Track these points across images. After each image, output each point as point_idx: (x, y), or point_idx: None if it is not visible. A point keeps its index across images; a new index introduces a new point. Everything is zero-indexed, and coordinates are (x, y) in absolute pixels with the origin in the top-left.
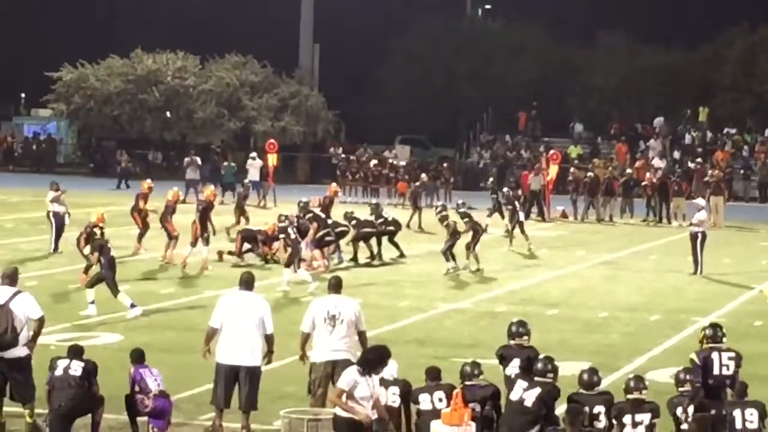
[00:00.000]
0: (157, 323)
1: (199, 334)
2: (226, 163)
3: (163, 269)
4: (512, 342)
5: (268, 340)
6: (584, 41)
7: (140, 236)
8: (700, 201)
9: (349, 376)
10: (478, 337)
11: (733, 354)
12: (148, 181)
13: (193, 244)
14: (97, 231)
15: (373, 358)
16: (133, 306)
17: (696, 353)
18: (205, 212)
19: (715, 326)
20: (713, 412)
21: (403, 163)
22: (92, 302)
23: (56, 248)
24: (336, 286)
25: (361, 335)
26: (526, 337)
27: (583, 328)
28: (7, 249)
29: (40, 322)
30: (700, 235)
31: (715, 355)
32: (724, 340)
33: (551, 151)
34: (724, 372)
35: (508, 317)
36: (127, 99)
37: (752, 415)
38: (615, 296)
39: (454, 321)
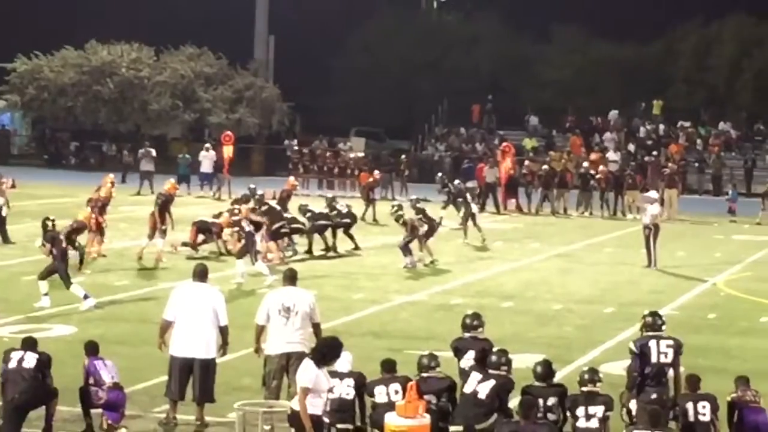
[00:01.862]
0: (112, 315)
1: (154, 327)
2: (180, 155)
3: (118, 261)
4: (467, 334)
5: (222, 332)
6: (539, 34)
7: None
8: (652, 194)
9: (311, 372)
10: (433, 330)
11: (671, 342)
12: (111, 175)
13: (150, 236)
14: (49, 223)
15: (326, 351)
16: (86, 297)
17: (634, 342)
18: (165, 205)
19: (654, 314)
20: (654, 396)
21: (359, 154)
22: (46, 294)
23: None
24: (291, 278)
25: (316, 327)
26: (480, 329)
27: (538, 320)
28: None
29: None
30: (653, 228)
31: (653, 343)
32: (664, 328)
33: (504, 144)
34: (662, 360)
35: (462, 310)
36: (82, 90)
37: (704, 408)
38: (569, 289)
39: (409, 313)
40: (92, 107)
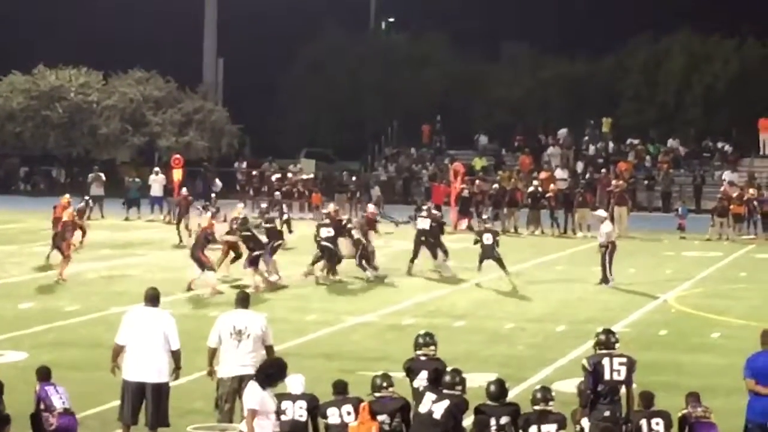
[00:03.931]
0: (63, 340)
1: (106, 351)
2: (129, 179)
3: (69, 286)
4: (419, 354)
5: (175, 356)
6: (489, 53)
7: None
8: (602, 213)
9: (256, 395)
10: (385, 350)
11: (624, 359)
12: (66, 195)
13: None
14: None
15: (271, 372)
16: None
17: (587, 359)
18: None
19: (608, 332)
20: (607, 413)
21: (307, 176)
22: None
23: None
24: (243, 300)
25: (269, 350)
26: (432, 348)
27: (490, 339)
28: None
29: None
30: (609, 245)
31: (606, 361)
32: (617, 345)
33: (455, 164)
34: (615, 377)
35: (414, 329)
36: (30, 115)
37: (658, 425)
38: (521, 307)
39: (360, 334)
40: (41, 132)
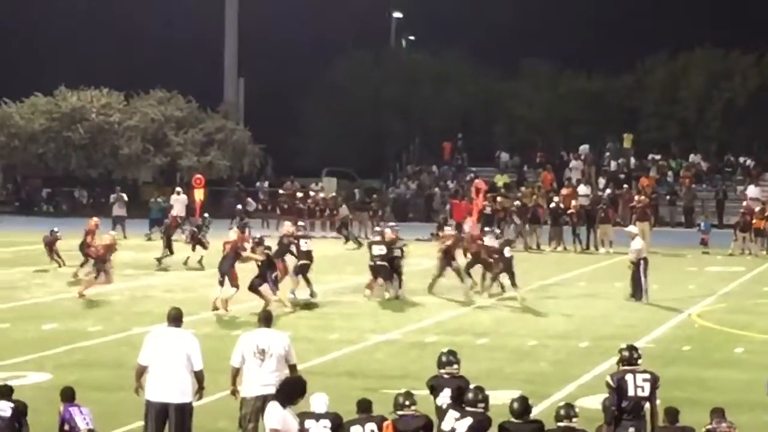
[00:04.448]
0: (87, 361)
1: (129, 372)
2: (152, 199)
3: (92, 306)
4: (442, 372)
5: (198, 376)
6: (508, 70)
7: (81, 264)
8: (632, 229)
9: (278, 414)
10: (409, 368)
11: (648, 375)
12: (95, 218)
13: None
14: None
15: (291, 390)
16: None
17: (611, 376)
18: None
19: (630, 348)
20: (631, 430)
21: (325, 195)
22: None
23: None
24: (266, 319)
25: (292, 369)
26: (456, 366)
27: (513, 356)
28: None
29: None
30: (641, 262)
31: (629, 377)
32: (640, 361)
33: (476, 181)
34: (639, 393)
35: (437, 347)
36: (52, 137)
37: None
38: (544, 324)
39: (384, 352)
40: (63, 153)
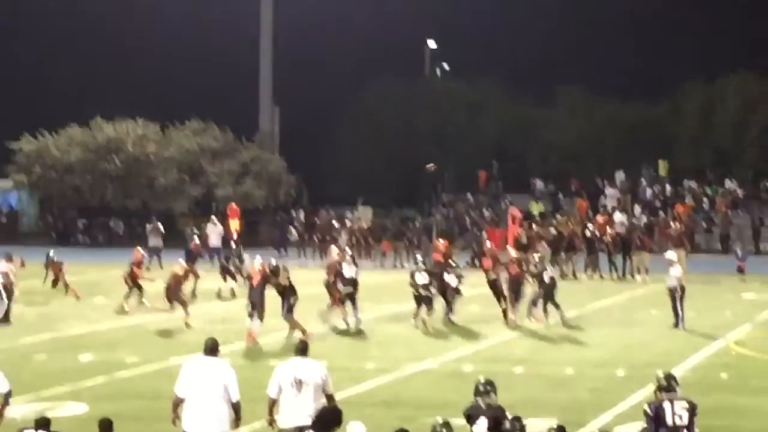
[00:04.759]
0: (124, 392)
1: (166, 402)
2: (188, 229)
3: (129, 337)
4: (479, 401)
5: (235, 407)
6: (543, 97)
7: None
8: (672, 255)
9: None
10: (445, 398)
11: (686, 403)
12: (139, 248)
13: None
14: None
15: (328, 420)
16: None
17: (648, 404)
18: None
19: (668, 376)
20: None
21: (364, 224)
22: None
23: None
24: (302, 350)
25: (329, 399)
26: (493, 395)
27: (550, 384)
28: None
29: (7, 396)
30: (678, 289)
31: (667, 405)
32: (678, 389)
33: (512, 209)
34: (678, 422)
35: (474, 376)
36: (88, 168)
37: None
38: (581, 352)
39: (420, 382)
40: (99, 184)
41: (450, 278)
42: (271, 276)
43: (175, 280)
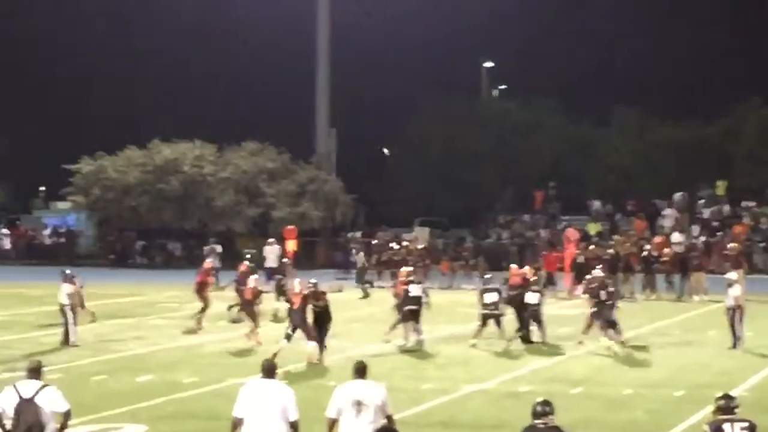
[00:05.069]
0: (182, 413)
1: (224, 423)
2: (245, 251)
3: (186, 358)
4: (537, 422)
5: (293, 427)
6: (599, 118)
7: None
8: (732, 275)
9: None
10: (502, 418)
11: (746, 424)
12: (209, 260)
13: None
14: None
15: None
16: None
17: (708, 425)
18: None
19: (727, 396)
20: None
21: (418, 244)
22: None
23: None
24: (361, 371)
25: (389, 420)
26: (551, 417)
27: (608, 405)
28: (29, 342)
29: (67, 416)
30: (737, 309)
31: (727, 426)
32: (737, 410)
33: (568, 230)
34: None
35: (531, 397)
36: (146, 189)
37: None
38: (639, 372)
39: (477, 402)
40: (157, 205)
41: (531, 296)
42: (311, 297)
43: (253, 294)
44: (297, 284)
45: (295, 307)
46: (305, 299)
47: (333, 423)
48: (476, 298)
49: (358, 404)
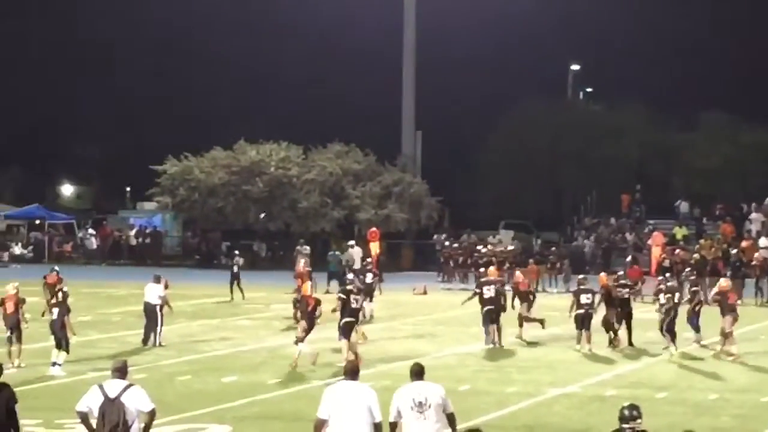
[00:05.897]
0: (266, 414)
1: (308, 425)
2: (331, 252)
3: (270, 359)
4: (625, 426)
5: (377, 428)
6: (686, 122)
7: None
8: None
9: None
10: (588, 422)
11: None
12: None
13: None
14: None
15: None
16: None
17: None
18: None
19: None
20: None
21: (510, 247)
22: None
23: (146, 340)
24: (418, 373)
25: (450, 418)
26: (639, 421)
27: (694, 410)
28: (115, 342)
29: (152, 415)
30: None
31: None
32: None
33: (654, 234)
34: None
35: (617, 401)
36: (231, 190)
37: None
38: (724, 378)
39: (563, 406)
40: (242, 207)
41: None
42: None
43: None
44: (309, 286)
45: (309, 308)
46: (317, 302)
47: (394, 426)
48: (570, 300)
49: (420, 405)
